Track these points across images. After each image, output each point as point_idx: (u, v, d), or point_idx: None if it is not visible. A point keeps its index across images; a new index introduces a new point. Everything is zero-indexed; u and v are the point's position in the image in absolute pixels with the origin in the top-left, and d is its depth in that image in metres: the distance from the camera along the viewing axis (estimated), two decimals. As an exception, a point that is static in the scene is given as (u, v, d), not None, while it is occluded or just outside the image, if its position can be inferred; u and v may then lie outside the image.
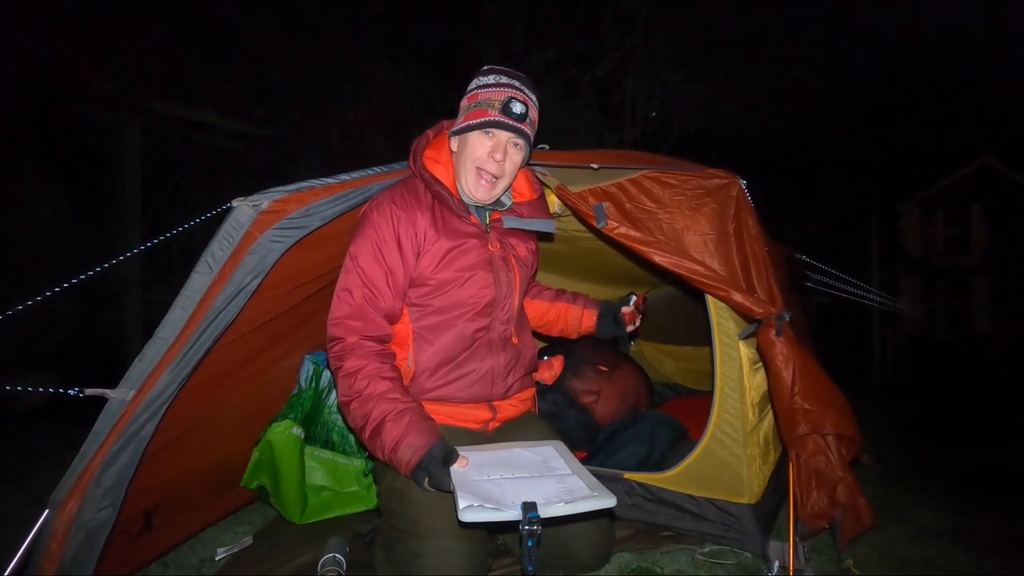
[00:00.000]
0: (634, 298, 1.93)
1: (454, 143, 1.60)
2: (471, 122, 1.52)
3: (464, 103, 1.58)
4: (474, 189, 1.55)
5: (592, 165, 1.84)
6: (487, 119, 1.50)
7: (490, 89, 1.53)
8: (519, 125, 1.51)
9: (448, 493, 1.29)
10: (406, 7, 7.70)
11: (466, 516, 1.15)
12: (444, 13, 8.14)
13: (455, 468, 1.33)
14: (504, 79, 1.54)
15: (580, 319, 1.95)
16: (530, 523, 1.14)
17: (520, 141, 1.54)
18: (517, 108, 1.50)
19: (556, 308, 1.97)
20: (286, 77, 5.79)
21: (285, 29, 5.81)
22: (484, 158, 1.52)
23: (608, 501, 1.24)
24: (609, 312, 1.92)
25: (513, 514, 1.16)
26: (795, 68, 8.66)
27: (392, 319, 1.53)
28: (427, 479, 1.32)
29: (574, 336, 2.01)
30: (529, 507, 1.16)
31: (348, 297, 1.48)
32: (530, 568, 1.16)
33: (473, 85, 1.58)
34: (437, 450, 1.34)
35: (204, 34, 5.17)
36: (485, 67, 1.60)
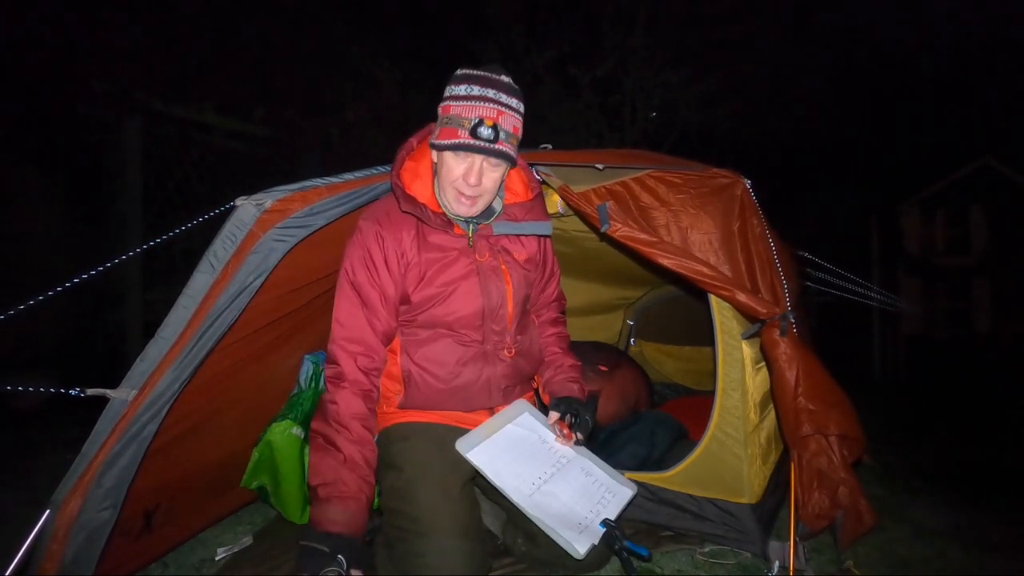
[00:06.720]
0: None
1: (433, 155, 1.50)
2: (442, 142, 1.40)
3: (439, 111, 1.43)
4: (455, 207, 1.48)
5: (597, 165, 1.83)
6: (456, 142, 1.38)
7: (460, 103, 1.38)
8: (491, 146, 1.37)
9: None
10: (406, 7, 7.70)
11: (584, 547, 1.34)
12: (444, 13, 8.15)
13: (511, 486, 1.41)
14: (476, 89, 1.38)
15: (541, 387, 1.80)
16: (619, 541, 1.34)
17: (496, 160, 1.42)
18: (485, 132, 1.36)
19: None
20: (286, 77, 5.79)
21: (285, 29, 5.81)
22: (460, 180, 1.42)
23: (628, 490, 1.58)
24: (561, 408, 1.67)
25: (600, 533, 1.37)
26: (795, 68, 8.67)
27: (389, 338, 1.53)
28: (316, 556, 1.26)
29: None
30: (609, 526, 1.37)
31: (346, 319, 1.48)
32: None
33: (446, 93, 1.42)
34: (339, 544, 1.27)
35: (204, 34, 5.16)
36: (459, 72, 1.43)
